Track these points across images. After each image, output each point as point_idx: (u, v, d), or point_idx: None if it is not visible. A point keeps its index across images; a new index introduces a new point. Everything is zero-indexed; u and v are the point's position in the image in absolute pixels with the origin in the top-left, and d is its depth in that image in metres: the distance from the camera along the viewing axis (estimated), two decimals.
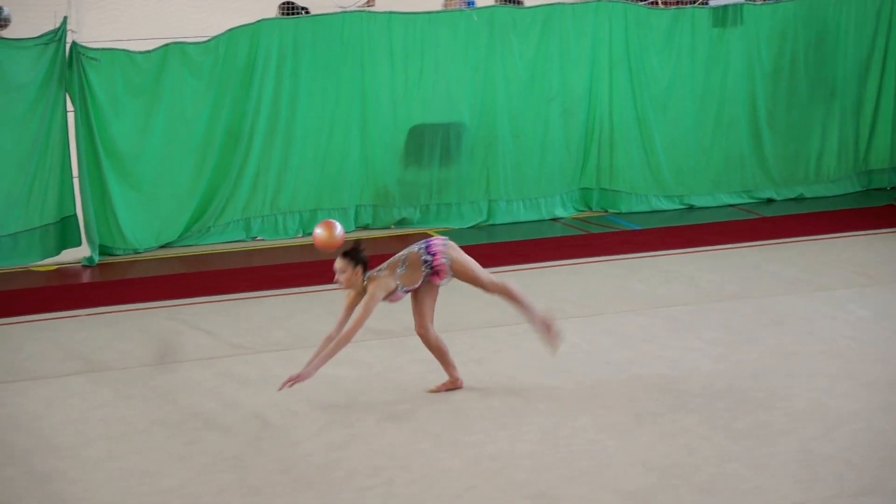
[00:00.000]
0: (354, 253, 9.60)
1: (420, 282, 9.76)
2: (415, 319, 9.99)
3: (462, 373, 10.46)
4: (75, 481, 8.77)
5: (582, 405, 9.93)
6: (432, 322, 10.01)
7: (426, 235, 14.07)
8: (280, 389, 9.51)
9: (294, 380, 9.47)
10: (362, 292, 9.62)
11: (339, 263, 9.56)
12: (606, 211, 15.01)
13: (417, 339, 11.29)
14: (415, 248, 9.79)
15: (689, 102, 14.94)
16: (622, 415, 9.74)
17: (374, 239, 14.06)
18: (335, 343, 9.55)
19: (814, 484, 8.74)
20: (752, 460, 9.04)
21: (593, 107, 14.77)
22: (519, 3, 14.84)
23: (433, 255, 9.74)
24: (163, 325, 11.63)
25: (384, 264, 9.70)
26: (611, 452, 9.15)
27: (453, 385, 10.09)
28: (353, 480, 8.62)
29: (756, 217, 14.72)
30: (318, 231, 9.66)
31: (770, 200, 15.30)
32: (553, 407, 9.91)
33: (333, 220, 9.74)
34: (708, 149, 15.08)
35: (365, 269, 9.61)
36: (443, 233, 14.13)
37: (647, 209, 14.97)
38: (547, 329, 10.03)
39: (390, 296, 9.66)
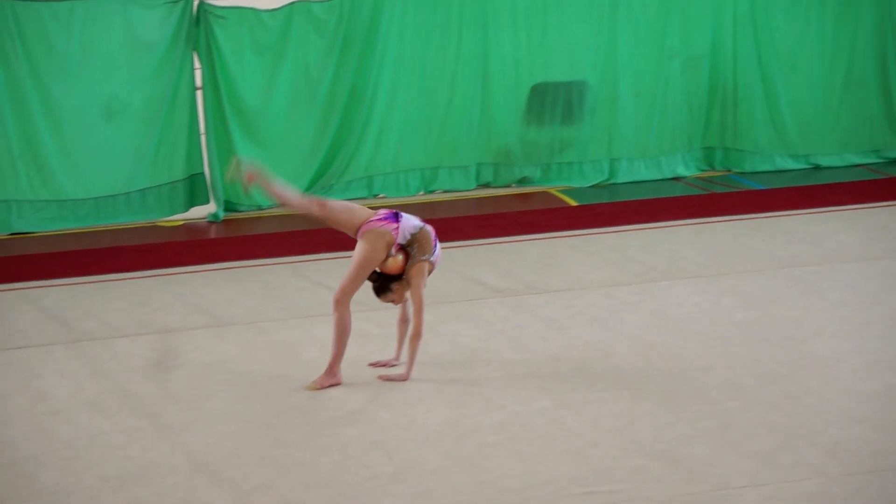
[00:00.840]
0: (381, 286, 9.49)
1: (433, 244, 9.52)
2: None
3: (582, 332, 10.40)
4: (199, 433, 8.85)
5: (704, 365, 9.83)
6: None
7: (547, 194, 14.02)
8: (381, 378, 9.57)
9: (393, 379, 9.51)
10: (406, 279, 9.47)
11: (385, 300, 9.55)
12: (730, 170, 14.83)
13: (539, 298, 11.27)
14: (407, 230, 9.47)
15: (816, 60, 14.67)
16: (745, 375, 9.63)
17: (496, 197, 14.01)
18: (412, 344, 9.51)
19: None
20: (879, 423, 8.90)
21: (716, 64, 14.57)
22: None
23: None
24: (284, 283, 11.67)
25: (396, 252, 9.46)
26: (733, 413, 9.05)
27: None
28: (475, 437, 8.59)
29: (885, 177, 14.47)
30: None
31: None
32: (675, 366, 9.82)
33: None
34: (835, 107, 14.82)
35: (393, 280, 9.46)
36: (564, 191, 14.05)
37: (772, 169, 14.77)
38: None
39: (429, 274, 9.50)
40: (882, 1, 14.75)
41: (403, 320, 9.71)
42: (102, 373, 9.82)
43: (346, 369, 9.78)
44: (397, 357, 9.77)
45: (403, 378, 9.50)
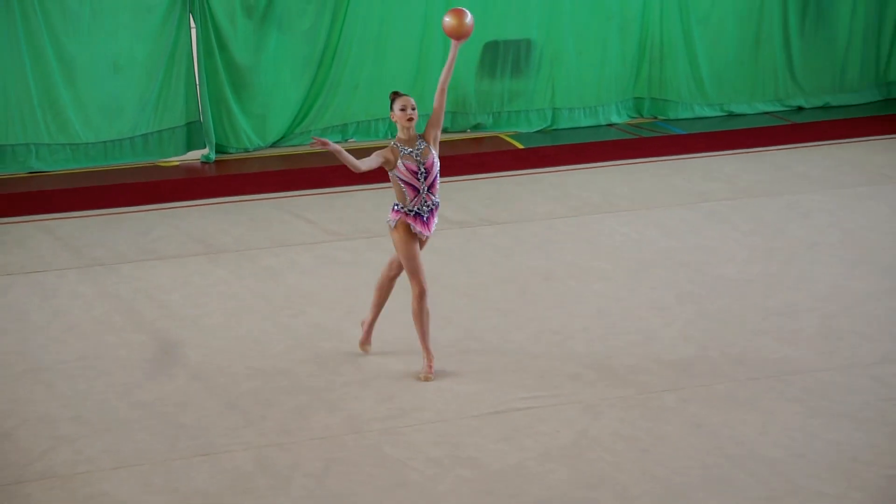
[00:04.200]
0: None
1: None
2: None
3: (527, 258, 10.41)
4: (196, 347, 8.83)
5: (632, 287, 9.86)
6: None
7: (497, 139, 13.95)
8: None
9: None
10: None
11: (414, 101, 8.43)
12: (656, 118, 14.78)
13: (489, 229, 11.24)
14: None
15: (729, 21, 14.59)
16: (667, 295, 9.66)
17: (453, 141, 13.92)
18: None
19: (833, 355, 8.67)
20: (780, 335, 8.96)
21: (646, 25, 14.48)
22: None
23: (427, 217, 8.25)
24: (269, 216, 11.61)
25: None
26: (656, 328, 9.09)
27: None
28: (438, 350, 8.58)
29: (787, 123, 14.46)
30: (448, 19, 8.17)
31: (800, 108, 14.99)
32: (607, 288, 9.84)
33: (463, 9, 8.22)
34: (746, 62, 14.76)
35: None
36: (512, 136, 13.99)
37: (692, 116, 14.72)
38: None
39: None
40: None
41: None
42: (110, 294, 9.78)
43: (322, 293, 9.76)
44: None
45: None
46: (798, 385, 8.24)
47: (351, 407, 7.97)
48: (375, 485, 7.14)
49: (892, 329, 9.08)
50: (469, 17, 8.20)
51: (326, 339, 8.90)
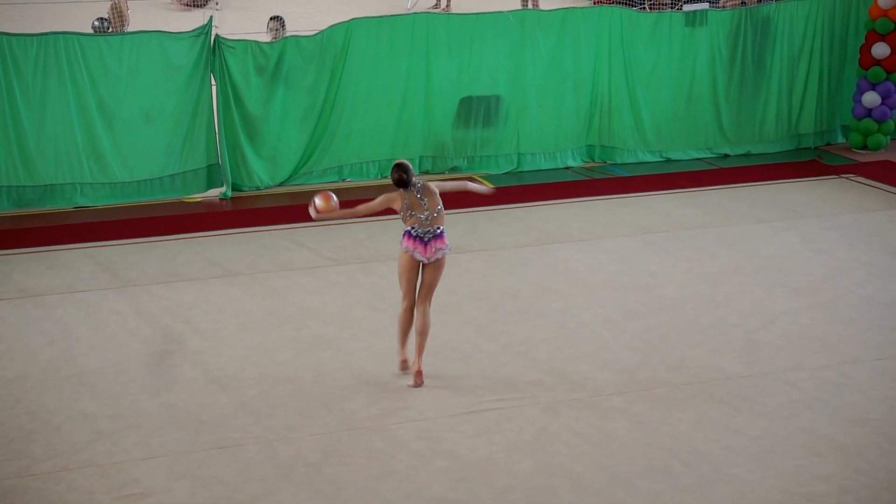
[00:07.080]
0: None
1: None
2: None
3: (497, 281, 10.40)
4: (214, 355, 8.80)
5: (585, 304, 9.86)
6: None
7: (472, 179, 13.96)
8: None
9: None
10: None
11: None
12: (605, 162, 14.79)
13: (466, 255, 11.22)
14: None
15: (667, 82, 14.65)
16: (615, 312, 9.67)
17: (434, 181, 13.91)
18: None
19: (754, 363, 8.70)
20: (711, 346, 8.99)
21: (596, 84, 14.51)
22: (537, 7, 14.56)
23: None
24: (277, 244, 11.55)
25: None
26: (606, 340, 9.09)
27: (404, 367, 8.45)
28: (412, 357, 8.55)
29: (715, 168, 14.51)
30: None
31: (726, 155, 15.03)
32: (564, 305, 9.85)
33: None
34: (681, 116, 14.80)
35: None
36: (483, 177, 14.00)
37: (635, 161, 14.74)
38: (414, 372, 8.28)
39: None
40: (713, 39, 14.76)
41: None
42: (142, 310, 9.73)
43: (322, 308, 9.72)
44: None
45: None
46: (725, 389, 8.26)
47: (346, 407, 7.95)
48: (366, 473, 7.12)
49: (803, 341, 9.11)
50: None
51: (325, 349, 8.87)
